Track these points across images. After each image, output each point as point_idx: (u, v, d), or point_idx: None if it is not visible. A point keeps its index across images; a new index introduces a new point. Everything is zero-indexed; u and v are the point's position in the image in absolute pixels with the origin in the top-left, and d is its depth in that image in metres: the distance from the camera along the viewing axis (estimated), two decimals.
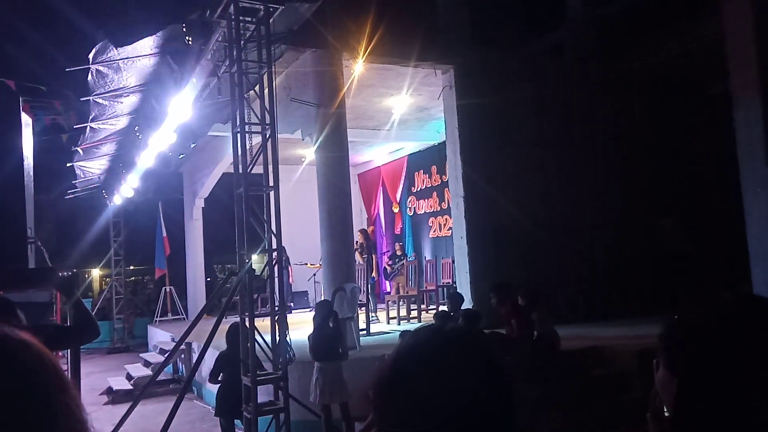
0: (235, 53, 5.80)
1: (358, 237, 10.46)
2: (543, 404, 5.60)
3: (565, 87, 9.12)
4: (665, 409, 1.00)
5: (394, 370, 0.90)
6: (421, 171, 13.11)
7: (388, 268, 11.93)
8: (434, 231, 12.75)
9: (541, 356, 6.17)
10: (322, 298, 6.57)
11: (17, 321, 2.78)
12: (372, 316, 10.21)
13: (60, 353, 8.29)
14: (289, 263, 12.82)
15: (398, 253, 12.06)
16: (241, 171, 5.62)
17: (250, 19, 5.85)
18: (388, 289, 12.15)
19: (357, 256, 9.15)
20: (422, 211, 13.20)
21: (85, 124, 8.61)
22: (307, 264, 12.15)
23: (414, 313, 9.69)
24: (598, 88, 9.40)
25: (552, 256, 8.59)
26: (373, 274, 10.06)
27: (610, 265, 8.89)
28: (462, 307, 6.89)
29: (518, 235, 8.50)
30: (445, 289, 10.36)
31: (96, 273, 18.71)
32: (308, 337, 5.96)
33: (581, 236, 8.90)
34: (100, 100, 8.16)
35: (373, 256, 10.92)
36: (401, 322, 9.49)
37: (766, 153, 6.59)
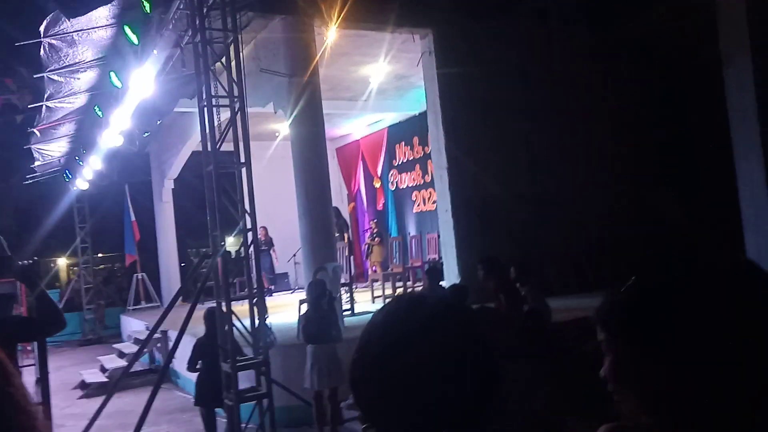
0: (197, 21, 5.43)
1: None
2: (536, 380, 5.46)
3: (550, 54, 8.78)
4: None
5: (367, 352, 0.85)
6: (403, 143, 12.73)
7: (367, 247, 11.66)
8: (418, 205, 12.46)
9: (531, 331, 6.01)
10: (317, 278, 6.26)
11: None
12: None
13: (29, 346, 7.89)
14: (273, 245, 12.48)
15: (374, 230, 11.77)
16: (209, 148, 5.35)
17: None
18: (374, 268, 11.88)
19: None
20: (405, 185, 12.87)
21: (41, 103, 8.09)
22: None
23: (400, 291, 9.47)
24: (586, 54, 9.08)
25: (541, 229, 8.38)
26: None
27: (601, 236, 8.70)
28: (440, 282, 6.66)
29: (506, 208, 8.27)
30: (432, 264, 10.13)
31: (62, 262, 18.08)
32: (299, 319, 5.69)
33: (570, 207, 8.68)
34: (55, 77, 7.67)
35: (345, 235, 10.60)
36: (387, 300, 9.26)
37: (758, 117, 6.41)
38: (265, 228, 11.50)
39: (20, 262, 3.13)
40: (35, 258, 3.28)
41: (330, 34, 7.40)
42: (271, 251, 12.50)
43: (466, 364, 0.82)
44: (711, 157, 8.32)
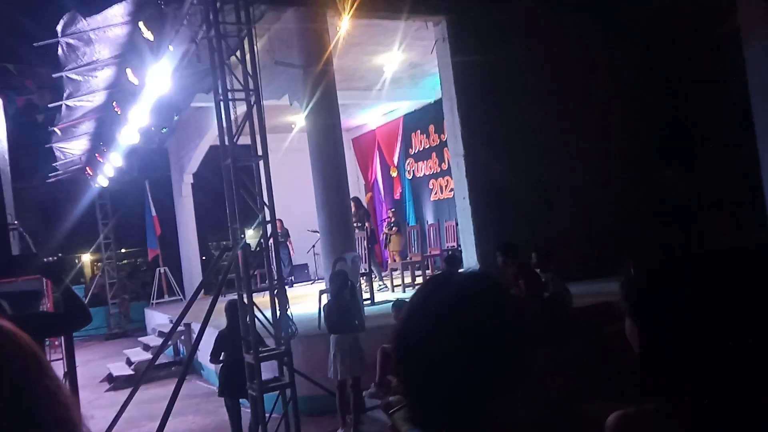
0: (211, 16, 5.43)
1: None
2: (554, 365, 5.43)
3: (561, 39, 8.65)
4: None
5: (407, 329, 0.87)
6: (419, 131, 12.68)
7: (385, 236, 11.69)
8: (435, 194, 12.43)
9: (552, 317, 5.99)
10: (336, 268, 6.32)
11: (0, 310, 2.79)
12: (381, 284, 10.06)
13: (56, 341, 8.07)
14: (289, 236, 12.56)
15: (392, 220, 11.78)
16: (227, 142, 5.35)
17: None
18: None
19: None
20: (421, 174, 12.84)
21: (61, 102, 8.19)
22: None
23: (419, 279, 9.52)
24: (596, 38, 8.94)
25: (557, 214, 8.32)
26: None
27: (617, 219, 8.62)
28: (459, 270, 6.67)
29: (522, 194, 8.22)
30: (450, 253, 10.13)
31: (87, 258, 18.44)
32: (322, 308, 5.74)
33: (586, 192, 8.60)
34: (74, 76, 7.75)
35: (367, 224, 10.65)
36: (406, 289, 9.33)
37: None
38: (281, 220, 11.59)
39: (45, 259, 3.19)
40: (60, 255, 3.34)
41: (343, 24, 7.38)
42: (288, 242, 12.59)
43: (493, 340, 0.83)
44: (728, 138, 8.14)
